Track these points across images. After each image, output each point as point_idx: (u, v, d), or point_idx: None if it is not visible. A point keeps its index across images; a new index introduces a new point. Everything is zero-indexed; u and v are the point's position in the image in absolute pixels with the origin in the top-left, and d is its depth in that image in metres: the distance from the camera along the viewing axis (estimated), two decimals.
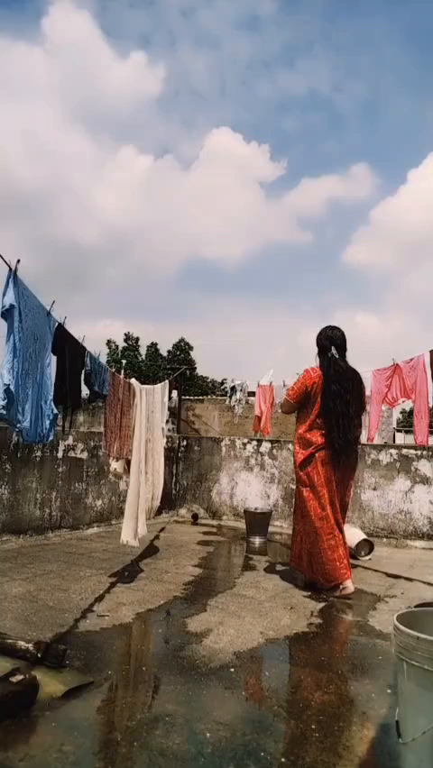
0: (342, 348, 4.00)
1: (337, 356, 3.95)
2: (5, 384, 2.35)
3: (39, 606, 3.15)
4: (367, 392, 4.56)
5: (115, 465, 4.31)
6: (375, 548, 4.98)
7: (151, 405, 4.68)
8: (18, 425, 2.54)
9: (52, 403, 2.82)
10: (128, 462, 4.24)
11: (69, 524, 5.53)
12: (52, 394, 2.85)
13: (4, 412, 2.34)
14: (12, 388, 2.37)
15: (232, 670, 2.41)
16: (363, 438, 5.06)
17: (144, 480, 4.32)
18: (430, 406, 5.26)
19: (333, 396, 3.83)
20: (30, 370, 2.60)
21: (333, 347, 3.96)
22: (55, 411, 2.83)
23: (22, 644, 2.34)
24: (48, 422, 2.78)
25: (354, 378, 3.96)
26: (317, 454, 3.84)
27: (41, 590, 3.45)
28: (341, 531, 3.83)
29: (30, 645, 2.32)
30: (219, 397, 15.38)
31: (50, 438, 2.84)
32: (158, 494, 4.75)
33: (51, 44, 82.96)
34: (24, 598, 3.29)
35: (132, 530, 3.99)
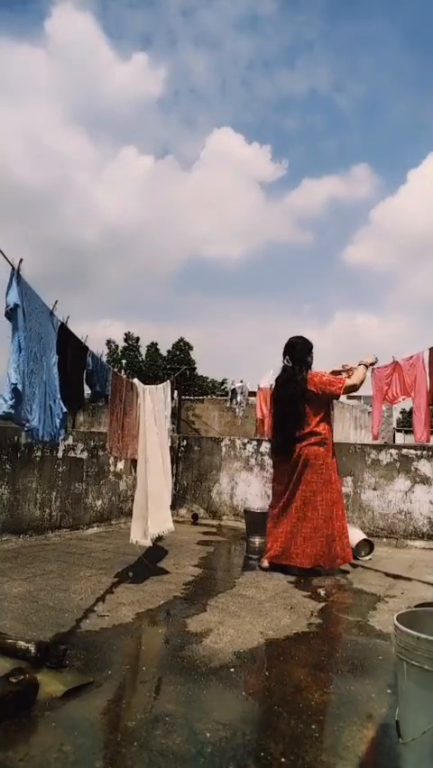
0: (293, 356, 4.41)
1: (290, 364, 4.39)
2: (13, 384, 2.35)
3: (39, 606, 3.15)
4: (370, 392, 4.79)
5: (121, 465, 4.31)
6: (375, 548, 4.98)
7: (156, 404, 4.67)
8: (27, 425, 2.53)
9: (62, 402, 2.81)
10: (134, 462, 4.23)
11: (69, 524, 5.53)
12: (60, 393, 2.84)
13: (13, 411, 2.34)
14: (19, 387, 2.37)
15: (232, 670, 2.41)
16: (367, 436, 5.15)
17: (157, 478, 4.30)
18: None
19: (275, 400, 4.48)
20: (36, 369, 2.60)
21: (286, 356, 4.44)
22: (64, 410, 2.82)
23: (22, 644, 2.34)
24: (58, 421, 2.77)
25: (298, 382, 4.29)
26: (274, 450, 4.53)
27: (41, 590, 3.45)
28: (287, 517, 4.24)
29: (30, 645, 2.32)
30: (219, 398, 15.38)
31: (62, 437, 2.85)
32: (168, 494, 4.69)
33: (54, 45, 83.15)
34: (24, 598, 3.29)
35: (141, 529, 3.97)
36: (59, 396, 2.81)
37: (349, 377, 4.41)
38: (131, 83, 78.28)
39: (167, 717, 1.96)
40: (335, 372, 4.58)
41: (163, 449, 4.71)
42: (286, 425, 4.32)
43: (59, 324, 2.95)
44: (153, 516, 4.05)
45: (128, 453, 4.16)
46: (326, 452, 4.31)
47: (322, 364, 4.58)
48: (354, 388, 4.39)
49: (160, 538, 4.67)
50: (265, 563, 4.32)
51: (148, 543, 4.03)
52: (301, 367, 4.38)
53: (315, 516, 4.20)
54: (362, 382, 4.45)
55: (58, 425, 2.78)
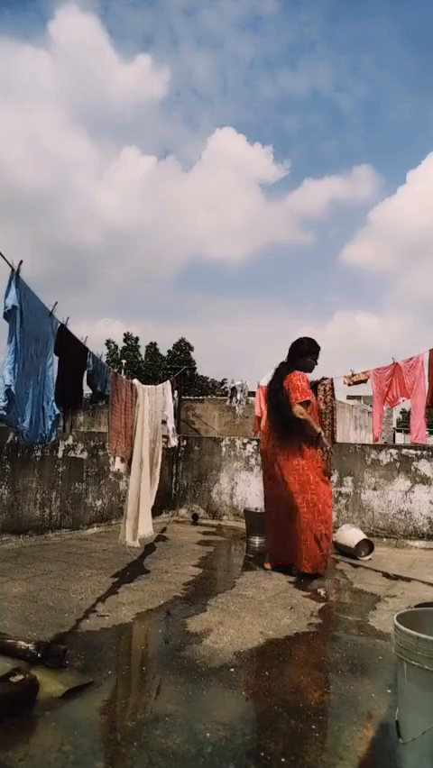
0: (289, 355, 4.45)
1: (284, 362, 4.45)
2: (6, 385, 2.35)
3: (39, 606, 3.15)
4: (370, 392, 4.84)
5: (119, 465, 4.31)
6: (375, 548, 4.98)
7: (154, 405, 4.67)
8: (18, 427, 2.53)
9: (54, 404, 2.82)
10: (129, 463, 4.23)
11: (69, 524, 5.53)
12: (54, 395, 2.84)
13: (5, 413, 2.34)
14: (13, 389, 2.37)
15: (232, 670, 2.41)
16: (367, 436, 5.15)
17: (148, 480, 4.31)
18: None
19: (267, 396, 4.50)
20: (31, 371, 2.60)
21: (288, 356, 4.48)
22: (57, 412, 2.82)
23: (22, 644, 2.34)
24: (50, 423, 2.78)
25: (283, 379, 4.30)
26: (262, 446, 4.53)
27: (41, 590, 3.45)
28: (277, 517, 4.30)
29: (30, 645, 2.32)
30: (219, 397, 15.35)
31: (52, 439, 2.84)
32: (153, 494, 4.71)
33: (57, 47, 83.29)
34: (24, 598, 3.29)
35: (131, 530, 3.98)
36: (52, 397, 2.80)
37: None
38: (133, 84, 78.64)
39: (167, 717, 1.96)
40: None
41: (155, 451, 4.71)
42: (272, 424, 4.33)
43: (59, 325, 2.95)
44: (143, 517, 4.07)
45: (128, 454, 4.16)
46: (300, 453, 4.18)
47: (322, 364, 4.59)
48: (300, 424, 4.12)
49: (162, 539, 4.68)
50: (267, 566, 4.33)
51: (136, 544, 4.04)
52: (290, 366, 4.35)
53: (298, 517, 4.11)
54: (308, 431, 4.16)
55: (49, 426, 2.78)
